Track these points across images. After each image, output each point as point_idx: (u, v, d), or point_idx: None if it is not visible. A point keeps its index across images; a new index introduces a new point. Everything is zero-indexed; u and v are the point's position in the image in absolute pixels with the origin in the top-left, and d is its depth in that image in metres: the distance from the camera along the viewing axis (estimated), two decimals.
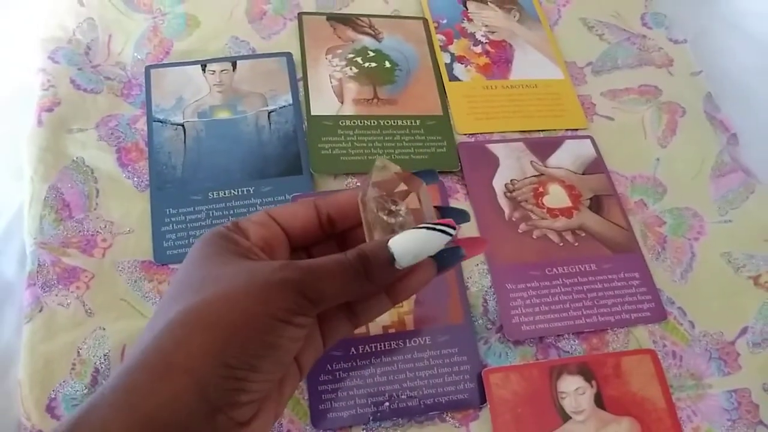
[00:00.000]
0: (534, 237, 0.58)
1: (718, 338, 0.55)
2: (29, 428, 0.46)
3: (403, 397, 0.50)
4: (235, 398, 0.29)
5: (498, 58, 0.71)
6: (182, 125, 0.62)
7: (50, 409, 0.47)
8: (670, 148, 0.66)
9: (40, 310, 0.50)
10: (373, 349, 0.52)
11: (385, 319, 0.53)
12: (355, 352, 0.52)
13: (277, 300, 0.30)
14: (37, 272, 0.51)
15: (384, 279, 0.33)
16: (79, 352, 0.49)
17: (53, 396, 0.47)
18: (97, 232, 0.55)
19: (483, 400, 0.51)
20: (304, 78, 0.66)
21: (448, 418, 0.50)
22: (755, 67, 0.74)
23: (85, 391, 0.47)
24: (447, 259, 0.35)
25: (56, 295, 0.51)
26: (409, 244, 0.32)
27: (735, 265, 0.58)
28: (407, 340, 0.53)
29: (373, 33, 0.71)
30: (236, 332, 0.29)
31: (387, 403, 0.50)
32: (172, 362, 0.28)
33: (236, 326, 0.29)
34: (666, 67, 0.73)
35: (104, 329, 0.50)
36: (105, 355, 0.49)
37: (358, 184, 0.61)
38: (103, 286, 0.52)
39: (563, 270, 0.57)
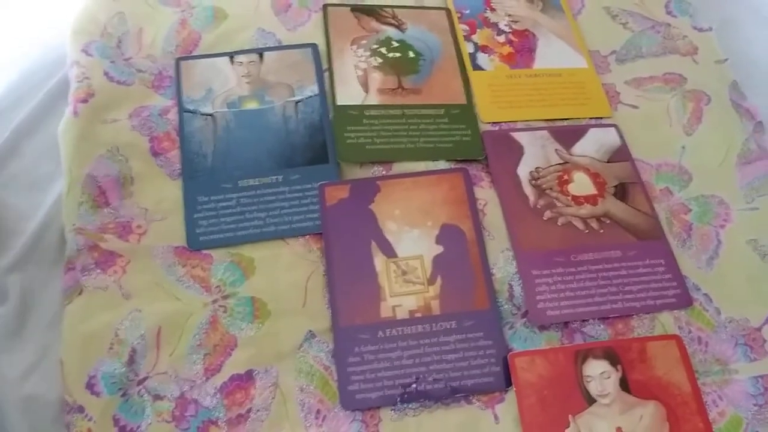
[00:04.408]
0: (559, 224, 0.59)
1: (744, 324, 0.55)
2: (71, 404, 0.48)
3: (429, 379, 0.51)
4: None
5: (521, 48, 0.72)
6: (212, 115, 0.63)
7: (90, 386, 0.48)
8: (696, 136, 0.66)
9: (80, 293, 0.52)
10: (400, 333, 0.53)
11: (412, 303, 0.54)
12: (382, 335, 0.53)
13: None
14: (76, 257, 0.53)
15: None
16: (116, 333, 0.51)
17: (93, 374, 0.49)
18: (132, 218, 0.56)
19: (508, 383, 0.51)
20: (330, 68, 0.67)
21: (474, 400, 0.51)
22: None
23: (122, 370, 0.49)
24: None
25: (94, 279, 0.53)
26: None
27: (761, 252, 0.58)
28: (433, 324, 0.53)
29: (396, 23, 0.72)
30: None
31: (414, 385, 0.51)
32: None
33: None
34: (691, 56, 0.72)
35: (140, 311, 0.52)
36: (141, 336, 0.51)
37: (384, 172, 0.61)
38: (139, 271, 0.54)
39: (588, 257, 0.57)
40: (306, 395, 0.50)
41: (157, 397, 0.49)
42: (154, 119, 0.62)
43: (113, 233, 0.55)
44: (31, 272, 0.53)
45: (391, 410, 0.50)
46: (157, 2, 0.71)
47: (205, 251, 0.56)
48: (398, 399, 0.50)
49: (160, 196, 0.58)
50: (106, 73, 0.64)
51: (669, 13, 0.76)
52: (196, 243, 0.56)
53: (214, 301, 0.53)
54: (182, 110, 0.63)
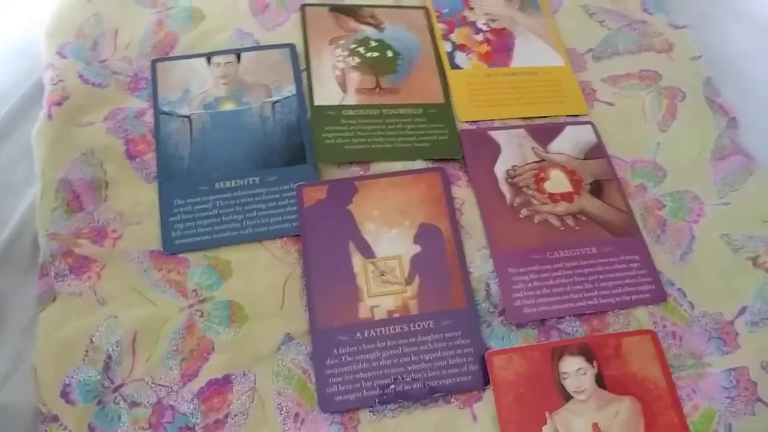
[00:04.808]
0: (535, 222, 0.59)
1: (718, 318, 0.55)
2: (45, 413, 0.48)
3: (407, 379, 0.51)
4: None
5: (499, 46, 0.72)
6: (188, 117, 0.63)
7: (65, 395, 0.48)
8: (670, 133, 0.66)
9: (54, 300, 0.52)
10: (378, 333, 0.53)
11: (390, 303, 0.54)
12: (360, 337, 0.53)
13: None
14: (50, 263, 0.53)
15: None
16: (91, 339, 0.51)
17: (67, 382, 0.49)
18: (107, 222, 0.56)
19: (486, 381, 0.52)
20: (308, 69, 0.67)
21: (452, 399, 0.51)
22: (755, 51, 0.74)
23: (98, 377, 0.49)
24: None
25: (69, 285, 0.52)
26: None
27: (734, 247, 0.59)
28: (411, 324, 0.54)
29: (375, 23, 0.72)
30: None
31: (392, 386, 0.51)
32: None
33: None
34: (666, 53, 0.73)
35: (116, 317, 0.52)
36: (116, 342, 0.50)
37: (361, 172, 0.62)
38: (114, 276, 0.54)
39: (564, 254, 0.58)
40: (284, 399, 0.50)
41: (134, 404, 0.49)
42: (130, 122, 0.62)
43: (88, 238, 0.55)
44: (4, 279, 0.53)
45: (370, 412, 0.50)
46: (133, 3, 0.71)
47: (181, 255, 0.55)
48: (377, 400, 0.50)
49: (136, 200, 0.58)
50: (81, 76, 0.63)
51: (645, 10, 0.77)
52: (171, 247, 0.56)
53: (191, 306, 0.53)
54: (158, 112, 0.63)
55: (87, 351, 0.50)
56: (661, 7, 0.77)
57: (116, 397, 0.49)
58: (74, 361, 0.49)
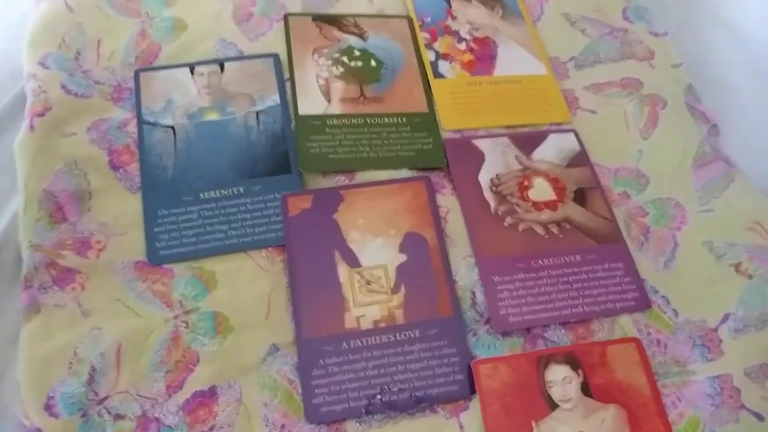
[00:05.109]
0: (520, 230, 0.60)
1: (701, 325, 0.56)
2: (28, 427, 0.47)
3: (394, 389, 0.51)
4: None
5: (482, 55, 0.72)
6: (172, 127, 0.63)
7: (48, 408, 0.47)
8: (652, 140, 0.67)
9: (37, 312, 0.51)
10: (365, 344, 0.53)
11: (376, 313, 0.54)
12: (346, 347, 0.53)
13: None
14: (33, 274, 0.52)
15: None
16: (75, 351, 0.50)
17: (51, 395, 0.48)
18: (91, 234, 0.56)
19: (473, 390, 0.52)
20: (291, 78, 0.67)
21: (438, 409, 0.51)
22: (735, 58, 0.75)
23: (82, 389, 0.48)
24: None
25: (52, 297, 0.52)
26: None
27: (716, 254, 0.59)
28: (397, 334, 0.54)
29: (358, 32, 0.72)
30: None
31: (379, 396, 0.51)
32: None
33: None
34: (647, 60, 0.74)
35: (100, 329, 0.51)
36: (101, 354, 0.50)
37: (347, 181, 0.62)
38: (98, 287, 0.53)
39: (549, 261, 0.58)
40: (270, 410, 0.50)
41: (118, 417, 0.48)
42: (113, 132, 0.62)
43: (71, 249, 0.54)
44: None
45: (356, 422, 0.50)
46: (116, 13, 0.70)
47: (165, 266, 0.55)
48: (363, 410, 0.50)
49: (120, 211, 0.57)
50: (63, 86, 0.63)
51: (626, 18, 0.78)
52: (156, 257, 0.55)
53: (176, 317, 0.53)
54: (142, 122, 0.63)
55: (71, 363, 0.49)
56: (642, 16, 0.78)
57: (101, 410, 0.48)
58: (58, 374, 0.49)
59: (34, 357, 0.49)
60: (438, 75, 0.70)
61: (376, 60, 0.70)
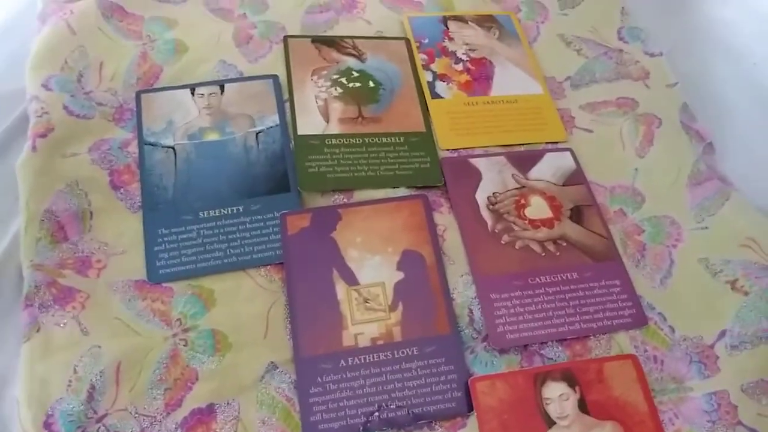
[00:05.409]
0: (516, 248, 0.60)
1: (698, 342, 0.56)
2: None
3: (392, 407, 0.52)
4: None
5: (479, 75, 0.73)
6: (173, 147, 0.63)
7: (47, 426, 0.48)
8: (648, 158, 0.68)
9: (38, 330, 0.52)
10: (362, 361, 0.53)
11: (374, 331, 0.55)
12: (344, 364, 0.53)
13: None
14: (34, 293, 0.53)
15: None
16: (75, 369, 0.50)
17: (50, 413, 0.48)
18: (92, 253, 0.56)
19: (470, 408, 0.52)
20: (291, 99, 0.68)
21: (436, 426, 0.52)
22: (729, 76, 0.76)
23: (81, 407, 0.49)
24: None
25: (53, 315, 0.52)
26: None
27: (712, 271, 0.60)
28: (395, 351, 0.54)
29: (357, 54, 0.73)
30: None
31: (377, 414, 0.51)
32: None
33: None
34: (642, 80, 0.75)
35: (100, 347, 0.52)
36: (100, 372, 0.50)
37: (345, 200, 0.62)
38: (98, 306, 0.54)
39: (546, 279, 0.58)
40: (268, 428, 0.50)
41: None
42: (114, 152, 0.62)
43: (72, 269, 0.55)
44: None
45: None
46: (118, 35, 0.71)
47: (165, 284, 0.56)
48: (361, 428, 0.50)
49: (120, 230, 0.58)
50: (65, 107, 0.64)
51: (621, 39, 0.79)
52: (156, 276, 0.56)
53: (175, 335, 0.53)
54: (143, 143, 0.63)
55: (70, 381, 0.50)
56: (637, 36, 0.79)
57: (99, 428, 0.49)
58: (58, 392, 0.49)
59: (34, 375, 0.50)
60: (435, 95, 0.71)
61: (375, 81, 0.71)
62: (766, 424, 0.52)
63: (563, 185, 0.65)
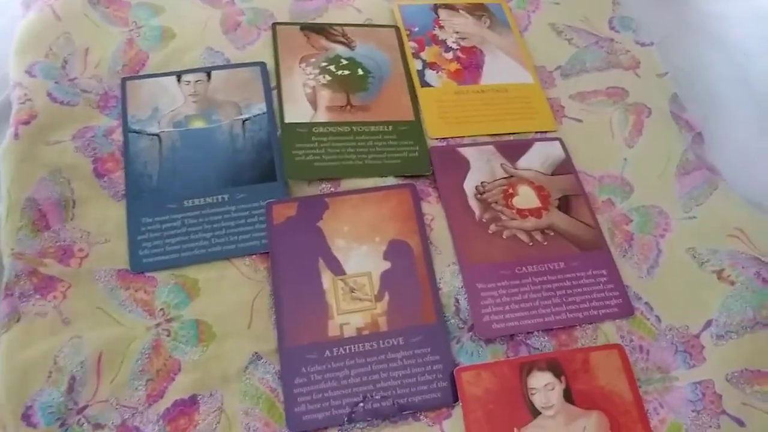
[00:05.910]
0: (504, 237, 0.60)
1: (684, 332, 0.56)
2: None
3: (377, 397, 0.51)
4: None
5: (469, 64, 0.73)
6: (158, 135, 0.63)
7: (26, 418, 0.47)
8: (637, 148, 0.67)
9: (18, 320, 0.51)
10: (348, 351, 0.53)
11: (359, 321, 0.54)
12: (329, 355, 0.53)
13: None
14: (14, 283, 0.52)
15: None
16: (55, 360, 0.50)
17: (30, 404, 0.48)
18: (74, 242, 0.56)
19: (455, 398, 0.52)
20: (278, 86, 0.67)
21: (421, 417, 0.51)
22: (719, 67, 0.76)
23: (61, 399, 0.48)
24: None
25: (33, 305, 0.52)
26: None
27: (699, 260, 0.60)
28: (381, 341, 0.54)
29: (346, 41, 0.73)
30: None
31: (361, 404, 0.51)
32: None
33: None
34: (633, 70, 0.74)
35: (81, 337, 0.51)
36: (81, 363, 0.50)
37: (332, 189, 0.62)
38: (80, 295, 0.53)
39: (532, 269, 0.58)
40: (251, 419, 0.50)
41: (98, 426, 0.48)
42: (99, 140, 0.62)
43: (53, 257, 0.54)
44: None
45: (339, 430, 0.50)
46: (104, 22, 0.70)
47: (148, 274, 0.55)
48: (346, 419, 0.50)
49: (103, 219, 0.57)
50: (49, 94, 0.63)
51: (612, 28, 0.78)
52: (139, 265, 0.55)
53: (158, 325, 0.53)
54: (127, 130, 0.63)
55: (51, 372, 0.49)
56: (628, 26, 0.78)
57: (80, 419, 0.48)
58: (38, 383, 0.49)
59: (13, 366, 0.49)
60: (425, 84, 0.70)
61: (363, 69, 0.71)
62: (750, 414, 0.52)
63: (552, 175, 0.64)
